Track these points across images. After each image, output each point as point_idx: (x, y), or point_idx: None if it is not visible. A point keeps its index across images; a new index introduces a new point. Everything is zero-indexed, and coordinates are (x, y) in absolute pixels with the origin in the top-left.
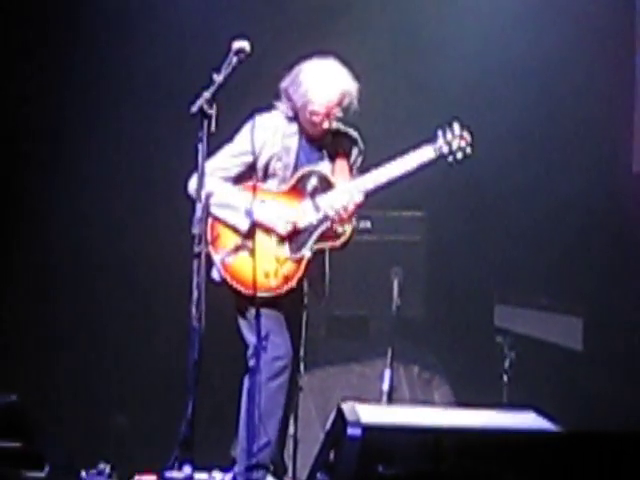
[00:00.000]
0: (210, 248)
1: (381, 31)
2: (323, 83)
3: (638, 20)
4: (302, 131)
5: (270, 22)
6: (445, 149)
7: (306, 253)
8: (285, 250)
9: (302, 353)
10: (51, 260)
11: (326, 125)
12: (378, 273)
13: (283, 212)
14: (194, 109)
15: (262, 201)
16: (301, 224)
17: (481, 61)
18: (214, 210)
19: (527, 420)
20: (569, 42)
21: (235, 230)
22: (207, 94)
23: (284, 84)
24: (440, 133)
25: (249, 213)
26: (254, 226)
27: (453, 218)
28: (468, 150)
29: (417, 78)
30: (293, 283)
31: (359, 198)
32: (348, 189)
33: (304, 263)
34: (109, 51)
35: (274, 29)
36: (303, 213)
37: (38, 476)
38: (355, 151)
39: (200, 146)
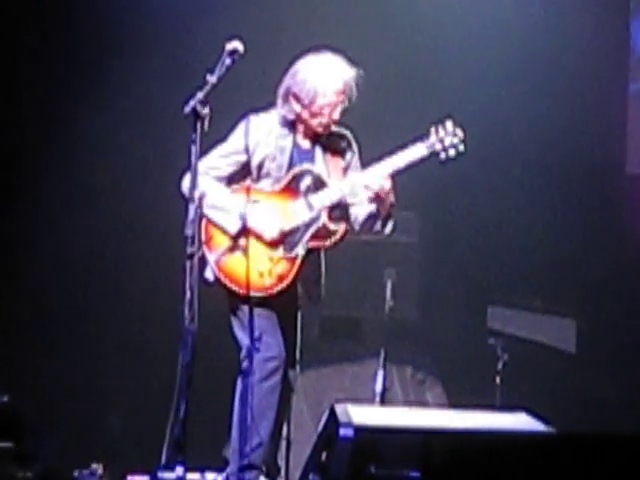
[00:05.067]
0: (204, 248)
1: (375, 27)
2: (327, 74)
3: (631, 15)
4: (296, 132)
5: (264, 22)
6: (438, 146)
7: (299, 252)
8: (279, 249)
9: (298, 354)
10: (44, 261)
11: (336, 116)
12: (371, 274)
13: (272, 217)
14: (187, 110)
15: (255, 202)
16: (293, 224)
17: (476, 61)
18: (206, 211)
19: (518, 421)
20: (563, 42)
21: (225, 232)
22: (200, 95)
23: (285, 87)
24: (433, 130)
25: (240, 217)
26: (244, 228)
27: (447, 219)
28: (461, 147)
29: (411, 76)
30: (287, 282)
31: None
32: (340, 187)
33: (298, 262)
34: (105, 50)
35: (268, 30)
36: (296, 212)
37: (28, 475)
38: (349, 152)
39: (193, 147)
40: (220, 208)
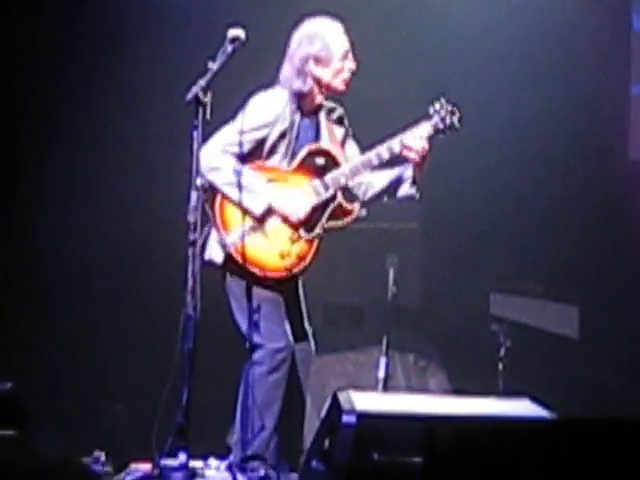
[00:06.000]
0: (221, 229)
1: (378, 21)
2: (331, 25)
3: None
4: (301, 108)
5: (265, 10)
6: (440, 125)
7: (318, 232)
8: (299, 230)
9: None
10: (45, 248)
11: (353, 65)
12: (373, 261)
13: (297, 198)
14: (189, 97)
15: (278, 184)
16: (313, 204)
17: (478, 49)
18: (227, 189)
19: (522, 407)
20: (564, 31)
21: (248, 213)
22: (202, 82)
23: (300, 57)
24: (432, 110)
25: (265, 198)
26: (269, 210)
27: (449, 205)
28: (458, 125)
29: (414, 69)
30: (307, 262)
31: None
32: (355, 166)
33: (316, 242)
34: (105, 43)
35: (269, 17)
36: (313, 192)
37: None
38: (344, 124)
39: (195, 134)
40: (243, 187)
